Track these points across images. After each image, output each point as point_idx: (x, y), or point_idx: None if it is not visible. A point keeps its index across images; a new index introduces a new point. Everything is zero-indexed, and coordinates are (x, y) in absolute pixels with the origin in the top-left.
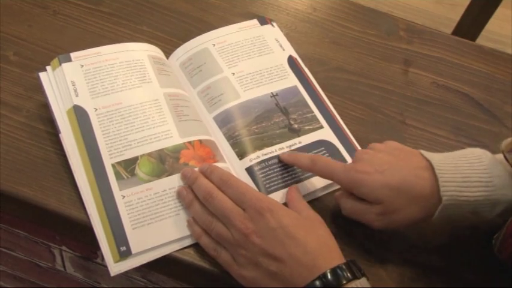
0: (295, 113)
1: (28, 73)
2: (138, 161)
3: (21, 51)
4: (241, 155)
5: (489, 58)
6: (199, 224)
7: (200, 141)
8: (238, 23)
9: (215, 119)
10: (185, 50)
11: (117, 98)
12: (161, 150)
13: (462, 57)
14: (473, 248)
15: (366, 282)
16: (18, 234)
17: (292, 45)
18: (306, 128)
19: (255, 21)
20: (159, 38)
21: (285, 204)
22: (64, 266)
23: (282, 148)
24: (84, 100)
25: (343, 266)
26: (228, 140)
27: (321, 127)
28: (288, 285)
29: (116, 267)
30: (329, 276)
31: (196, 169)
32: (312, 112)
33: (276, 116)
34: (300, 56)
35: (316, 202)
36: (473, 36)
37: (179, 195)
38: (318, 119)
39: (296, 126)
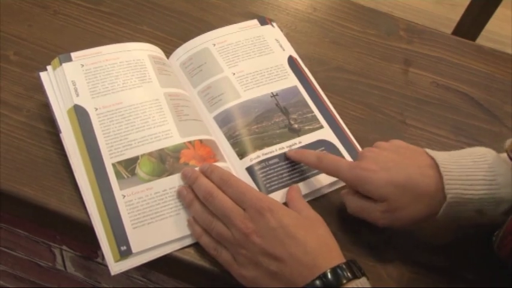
0: (295, 113)
1: (28, 73)
2: (139, 161)
3: (22, 51)
4: (241, 154)
5: (489, 58)
6: (200, 224)
7: (200, 140)
8: (239, 23)
9: (215, 118)
10: (185, 50)
11: (118, 97)
12: (161, 149)
13: (462, 57)
14: (474, 247)
15: (366, 281)
16: (19, 233)
17: (292, 45)
18: (306, 127)
19: (255, 21)
20: (159, 37)
21: (285, 203)
22: (64, 266)
23: (282, 148)
24: (84, 100)
25: (343, 266)
26: (229, 140)
27: (321, 127)
28: (288, 285)
29: (116, 267)
30: (329, 275)
31: (197, 169)
32: (312, 112)
33: (276, 116)
34: (300, 56)
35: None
36: (473, 36)
37: (179, 195)
38: (318, 119)
39: (296, 126)
